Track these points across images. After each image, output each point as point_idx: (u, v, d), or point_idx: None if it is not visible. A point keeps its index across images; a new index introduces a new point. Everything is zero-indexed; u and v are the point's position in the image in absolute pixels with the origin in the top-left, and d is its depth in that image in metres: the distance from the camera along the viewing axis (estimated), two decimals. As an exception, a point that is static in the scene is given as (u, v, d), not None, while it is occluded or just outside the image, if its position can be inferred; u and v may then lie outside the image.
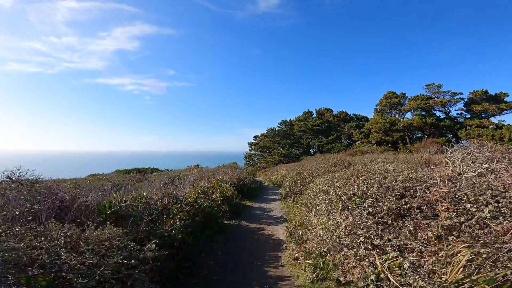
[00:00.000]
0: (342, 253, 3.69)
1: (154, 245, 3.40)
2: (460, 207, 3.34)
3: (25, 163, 4.50)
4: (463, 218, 3.05)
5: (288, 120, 44.58)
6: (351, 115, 42.29)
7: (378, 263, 3.01)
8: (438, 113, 31.44)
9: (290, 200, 10.13)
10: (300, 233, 5.41)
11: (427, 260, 2.72)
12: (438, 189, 3.81)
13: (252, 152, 44.07)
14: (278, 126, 43.70)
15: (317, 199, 5.66)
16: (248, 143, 43.97)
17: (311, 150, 42.53)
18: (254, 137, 45.35)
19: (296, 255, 4.89)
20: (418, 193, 3.87)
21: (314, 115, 44.41)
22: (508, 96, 28.21)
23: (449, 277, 2.37)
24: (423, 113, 30.94)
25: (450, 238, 2.84)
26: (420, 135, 31.88)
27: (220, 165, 39.68)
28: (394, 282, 2.71)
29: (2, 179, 4.25)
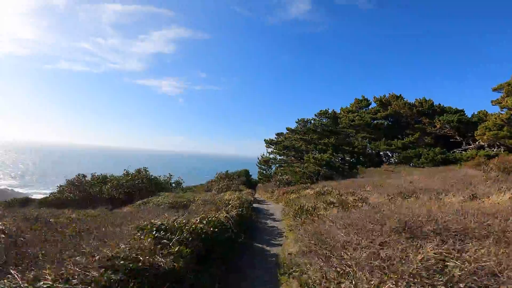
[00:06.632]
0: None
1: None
2: None
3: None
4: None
5: (330, 112, 28.94)
6: (438, 106, 25.48)
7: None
8: None
9: None
10: None
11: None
12: None
13: (271, 156, 28.89)
14: (315, 118, 28.21)
15: None
16: (265, 140, 28.84)
17: (362, 158, 26.15)
18: (277, 134, 30.28)
19: None
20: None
21: (373, 105, 28.34)
22: None
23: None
24: None
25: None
26: None
27: (221, 173, 25.69)
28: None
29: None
